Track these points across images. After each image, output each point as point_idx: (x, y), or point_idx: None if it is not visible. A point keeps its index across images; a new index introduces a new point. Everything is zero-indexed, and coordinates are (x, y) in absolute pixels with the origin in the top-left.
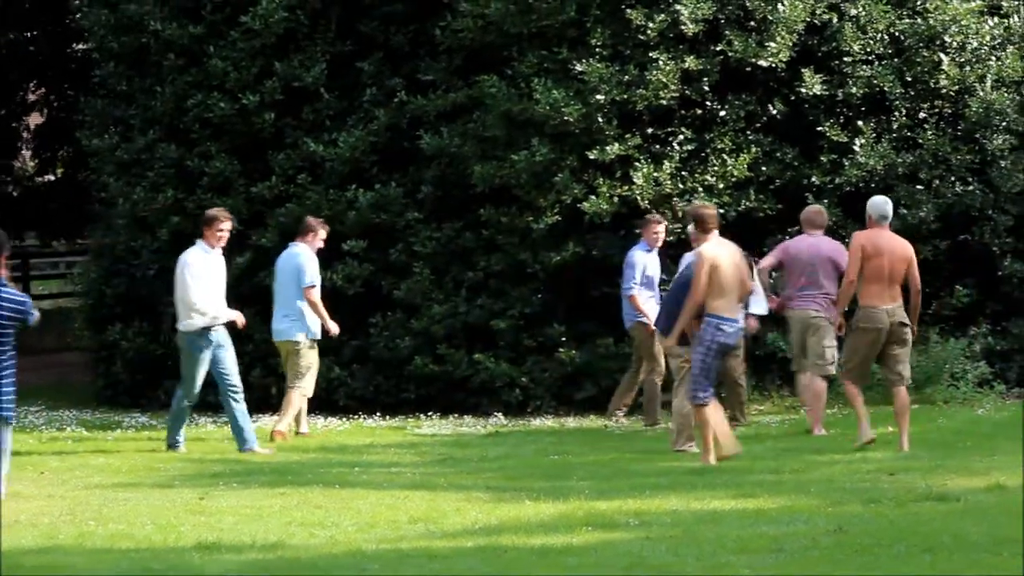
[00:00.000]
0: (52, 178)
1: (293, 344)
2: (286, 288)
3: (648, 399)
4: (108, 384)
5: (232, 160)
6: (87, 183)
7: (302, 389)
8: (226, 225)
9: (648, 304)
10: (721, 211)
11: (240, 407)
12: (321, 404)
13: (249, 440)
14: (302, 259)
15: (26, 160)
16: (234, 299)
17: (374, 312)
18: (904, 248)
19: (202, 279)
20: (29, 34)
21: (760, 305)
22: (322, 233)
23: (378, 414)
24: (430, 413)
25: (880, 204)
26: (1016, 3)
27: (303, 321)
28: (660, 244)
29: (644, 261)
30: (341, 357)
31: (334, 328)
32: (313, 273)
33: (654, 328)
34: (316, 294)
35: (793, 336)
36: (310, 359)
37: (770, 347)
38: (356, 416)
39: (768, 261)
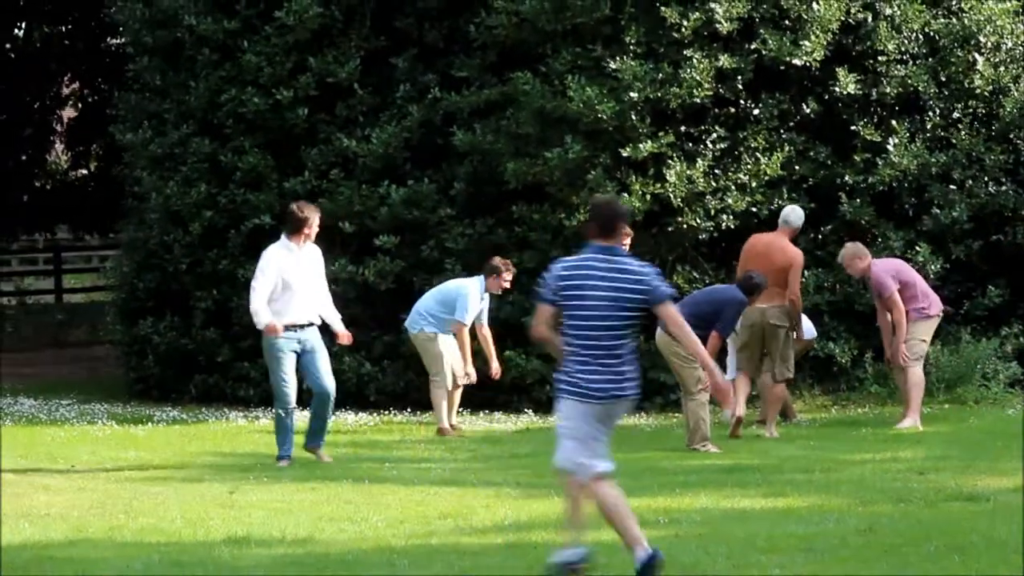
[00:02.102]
0: (85, 172)
1: (415, 336)
2: (434, 300)
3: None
4: (139, 378)
5: (265, 155)
6: (120, 177)
7: (436, 381)
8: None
9: None
10: (753, 210)
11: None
12: (352, 399)
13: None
14: (465, 292)
15: (59, 154)
16: None
17: (406, 308)
18: (783, 256)
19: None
20: (64, 28)
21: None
22: (506, 276)
23: (408, 410)
24: (461, 409)
25: (784, 211)
26: None
27: (433, 323)
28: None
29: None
30: (372, 353)
31: (471, 375)
32: (470, 310)
33: None
34: (465, 333)
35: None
36: (438, 349)
37: None
38: (387, 411)
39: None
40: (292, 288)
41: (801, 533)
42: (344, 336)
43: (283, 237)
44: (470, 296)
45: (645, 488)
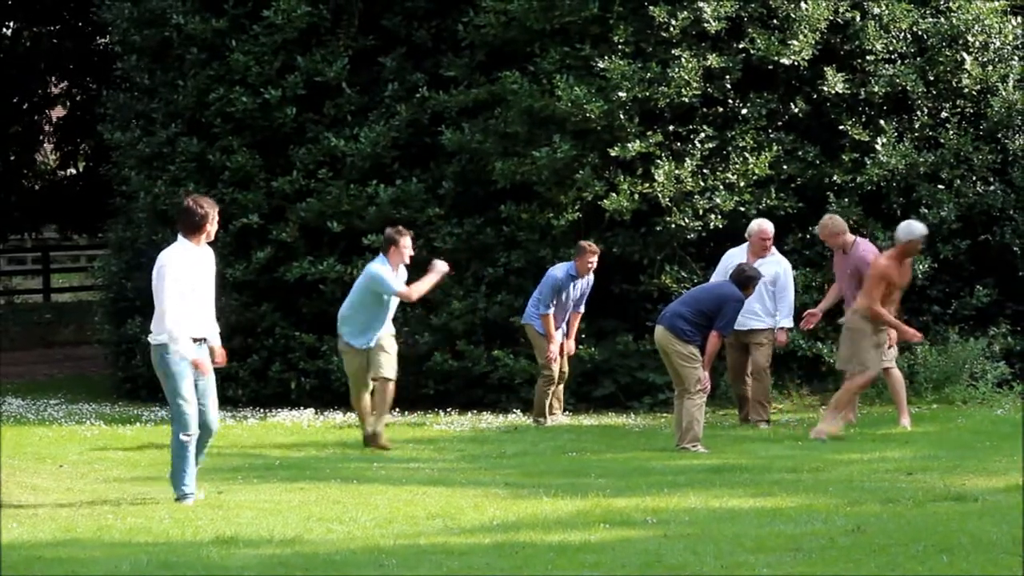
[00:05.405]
0: (74, 172)
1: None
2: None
3: (537, 398)
4: (127, 378)
5: (253, 155)
6: (108, 177)
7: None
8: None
9: (562, 320)
10: (742, 209)
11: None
12: (340, 399)
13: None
14: (374, 272)
15: (48, 153)
16: (254, 294)
17: None
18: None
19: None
20: (52, 28)
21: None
22: (403, 240)
23: (397, 410)
24: (449, 409)
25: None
26: None
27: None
28: (591, 271)
29: (563, 286)
30: None
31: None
32: (392, 281)
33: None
34: (411, 296)
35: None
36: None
37: (791, 346)
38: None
39: None
40: (193, 296)
41: (789, 533)
42: (220, 355)
43: (180, 237)
44: (379, 271)
45: (633, 488)
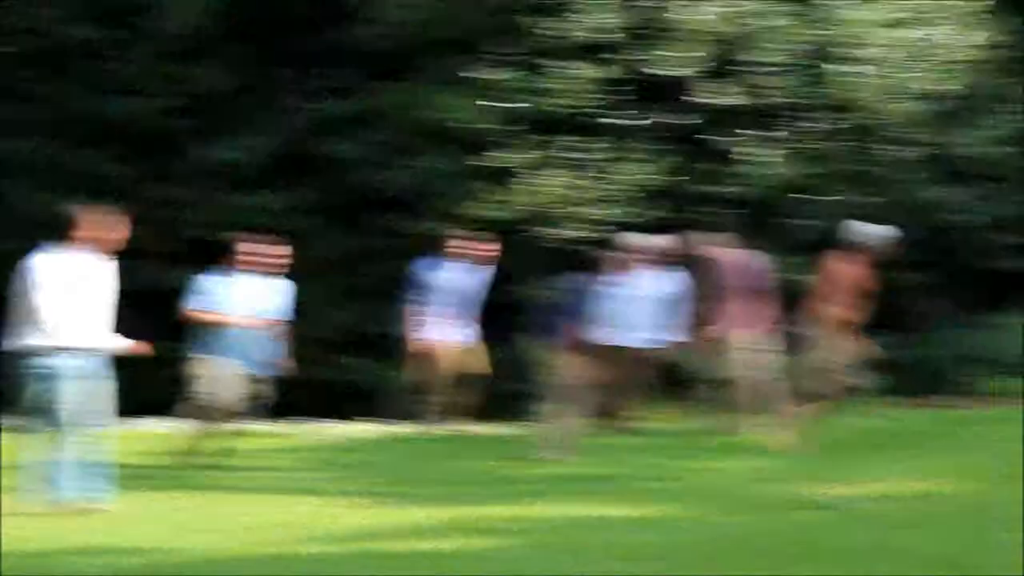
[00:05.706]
0: None
1: None
2: None
3: (407, 406)
4: None
5: (136, 164)
6: None
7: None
8: None
9: (440, 319)
10: (625, 221)
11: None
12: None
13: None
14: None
15: None
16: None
17: None
18: None
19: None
20: None
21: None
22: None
23: (268, 419)
24: (318, 419)
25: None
26: (931, 15)
27: None
28: (467, 258)
29: (426, 277)
30: None
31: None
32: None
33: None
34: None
35: None
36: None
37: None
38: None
39: None
40: (71, 303)
41: (655, 542)
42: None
43: (52, 244)
44: (197, 278)
45: (496, 496)
